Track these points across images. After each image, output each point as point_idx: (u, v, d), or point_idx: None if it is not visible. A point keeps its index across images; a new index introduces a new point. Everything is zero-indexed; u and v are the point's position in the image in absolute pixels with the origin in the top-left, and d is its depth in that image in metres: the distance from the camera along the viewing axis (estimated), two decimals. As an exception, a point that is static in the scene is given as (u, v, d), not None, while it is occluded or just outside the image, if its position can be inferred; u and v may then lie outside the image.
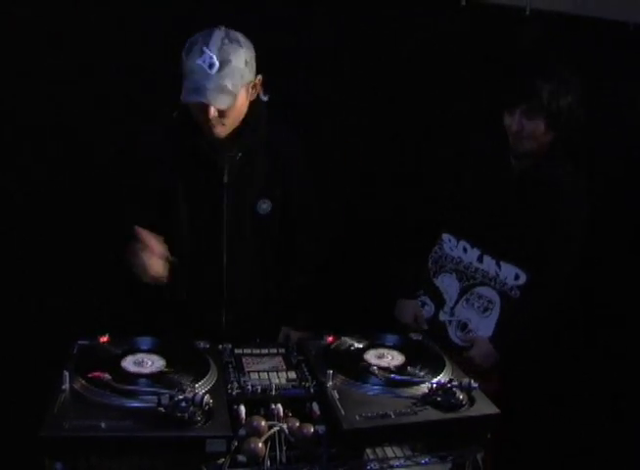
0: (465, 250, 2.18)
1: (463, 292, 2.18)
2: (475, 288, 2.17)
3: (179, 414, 1.29)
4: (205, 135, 1.85)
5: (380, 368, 1.57)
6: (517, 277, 2.09)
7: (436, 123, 2.57)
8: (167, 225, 1.90)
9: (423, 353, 1.71)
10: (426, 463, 1.48)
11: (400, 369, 1.60)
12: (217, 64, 1.71)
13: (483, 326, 2.14)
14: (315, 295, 2.16)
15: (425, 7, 2.50)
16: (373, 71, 2.51)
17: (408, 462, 1.47)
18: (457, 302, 2.19)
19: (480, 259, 2.15)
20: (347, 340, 1.77)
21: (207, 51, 1.71)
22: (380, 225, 2.57)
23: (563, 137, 2.08)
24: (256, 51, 2.16)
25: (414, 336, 1.85)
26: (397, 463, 1.47)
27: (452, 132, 2.50)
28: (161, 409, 1.30)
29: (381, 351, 1.69)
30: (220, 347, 1.70)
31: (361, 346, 1.73)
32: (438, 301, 2.22)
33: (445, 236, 2.23)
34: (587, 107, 2.07)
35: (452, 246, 2.20)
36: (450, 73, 2.54)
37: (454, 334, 2.18)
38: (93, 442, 1.26)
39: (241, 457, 1.33)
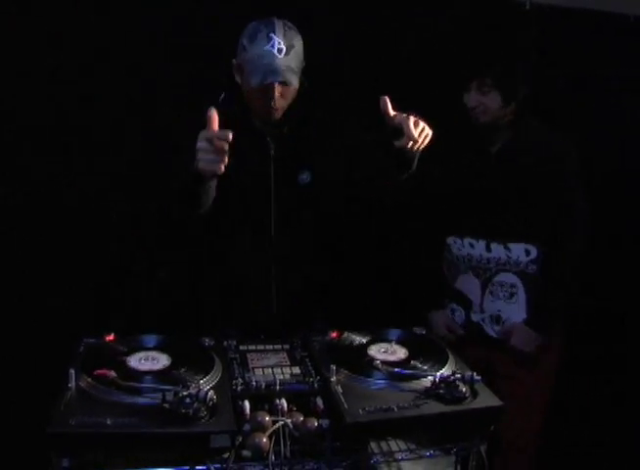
0: (472, 245, 2.20)
1: (484, 286, 2.20)
2: (493, 278, 2.18)
3: (184, 410, 1.30)
4: (258, 117, 1.95)
5: (383, 362, 1.58)
6: (528, 253, 2.12)
7: (434, 120, 2.57)
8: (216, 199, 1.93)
9: (426, 347, 1.72)
10: (430, 456, 1.50)
11: (403, 363, 1.61)
12: (284, 48, 1.83)
13: (515, 312, 2.16)
14: (319, 291, 2.16)
15: (424, 2, 2.51)
16: (373, 71, 2.51)
17: (412, 455, 1.49)
18: (482, 298, 2.21)
19: (488, 249, 2.18)
20: (351, 335, 1.78)
21: (275, 37, 1.83)
22: (379, 223, 2.57)
23: (523, 105, 2.11)
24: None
25: (418, 330, 1.86)
26: (401, 456, 1.48)
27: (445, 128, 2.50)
28: (166, 406, 1.31)
29: (384, 345, 1.70)
30: (225, 343, 1.71)
31: (364, 341, 1.74)
32: (465, 303, 2.23)
33: (450, 239, 2.25)
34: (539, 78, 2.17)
35: (459, 246, 2.23)
36: (448, 70, 2.54)
37: (491, 329, 2.20)
38: (99, 438, 1.27)
39: (245, 452, 1.34)
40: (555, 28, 2.54)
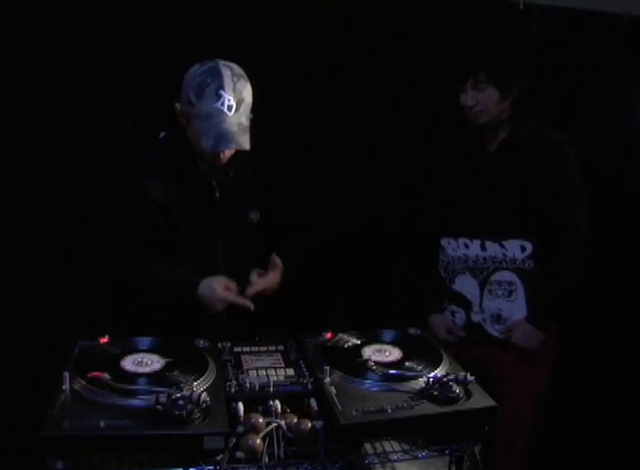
0: (466, 245, 2.20)
1: (482, 285, 2.20)
2: (491, 277, 2.18)
3: (177, 412, 1.31)
4: (204, 161, 1.91)
5: (377, 363, 1.58)
6: (523, 249, 2.12)
7: (430, 121, 2.58)
8: (167, 239, 1.95)
9: (420, 348, 1.72)
10: (424, 457, 1.50)
11: (397, 364, 1.61)
12: (234, 105, 1.76)
13: (516, 310, 2.16)
14: (313, 292, 2.17)
15: (418, 2, 2.51)
16: (365, 70, 2.51)
17: (406, 456, 1.49)
18: (481, 297, 2.20)
19: (483, 248, 2.17)
20: (345, 336, 1.78)
21: (224, 94, 1.75)
22: (373, 224, 2.58)
23: (519, 99, 2.11)
24: (255, 52, 2.17)
25: (412, 331, 1.86)
26: (396, 457, 1.48)
27: (444, 129, 2.50)
28: (160, 408, 1.32)
29: (378, 346, 1.70)
30: (220, 345, 1.72)
31: (358, 342, 1.75)
32: (465, 304, 2.22)
33: (444, 241, 2.24)
34: (531, 63, 2.15)
35: (454, 247, 2.22)
36: (443, 69, 2.55)
37: (492, 329, 2.19)
38: (92, 441, 1.27)
39: (239, 454, 1.34)
40: (548, 28, 2.54)
